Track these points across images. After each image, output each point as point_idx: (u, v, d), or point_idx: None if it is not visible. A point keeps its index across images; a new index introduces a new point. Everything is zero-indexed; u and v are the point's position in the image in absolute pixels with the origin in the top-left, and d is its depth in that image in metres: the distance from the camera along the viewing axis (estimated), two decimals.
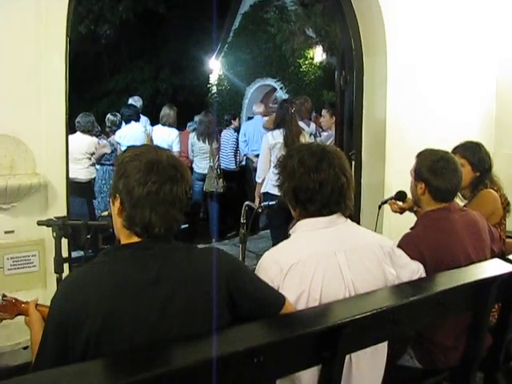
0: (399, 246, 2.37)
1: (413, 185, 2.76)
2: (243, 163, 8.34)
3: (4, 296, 1.97)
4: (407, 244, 2.46)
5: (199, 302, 1.64)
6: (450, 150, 3.32)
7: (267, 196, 5.12)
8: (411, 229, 2.75)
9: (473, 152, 3.35)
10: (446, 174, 2.61)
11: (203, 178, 7.23)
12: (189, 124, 8.96)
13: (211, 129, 7.23)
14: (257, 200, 5.44)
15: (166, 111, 7.21)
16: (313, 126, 7.30)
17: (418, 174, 2.69)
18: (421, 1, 4.60)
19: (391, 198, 3.36)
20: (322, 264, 1.93)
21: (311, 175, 1.99)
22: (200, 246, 1.88)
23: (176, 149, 7.08)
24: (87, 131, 6.22)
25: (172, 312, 1.59)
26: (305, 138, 5.38)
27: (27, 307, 1.95)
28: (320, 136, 7.18)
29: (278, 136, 5.30)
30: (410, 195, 3.05)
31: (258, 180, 5.54)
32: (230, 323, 1.70)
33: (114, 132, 6.81)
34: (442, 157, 2.65)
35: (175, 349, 1.53)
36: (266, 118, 8.31)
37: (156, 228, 1.65)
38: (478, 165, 3.33)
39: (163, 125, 7.15)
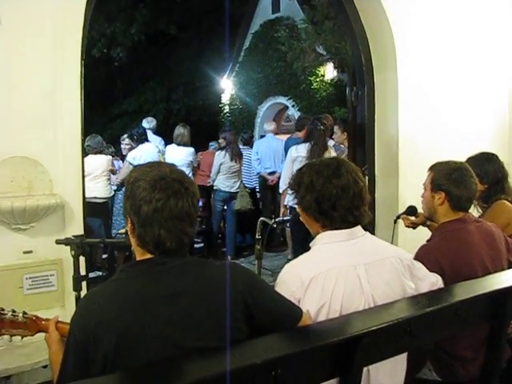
0: (416, 258, 2.37)
1: (428, 197, 2.76)
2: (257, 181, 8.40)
3: (24, 313, 2.00)
4: (425, 256, 2.46)
5: (216, 315, 1.64)
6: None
7: (290, 209, 5.36)
8: (428, 241, 2.75)
9: (480, 164, 3.33)
10: (465, 182, 2.64)
11: (226, 197, 7.30)
12: (210, 144, 9.06)
13: (238, 147, 7.34)
14: (282, 210, 5.72)
15: (181, 131, 7.24)
16: (331, 142, 7.36)
17: (437, 185, 2.70)
18: (431, 14, 4.63)
19: (403, 213, 3.36)
20: (343, 277, 1.94)
21: (332, 181, 2.02)
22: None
23: (195, 164, 7.38)
24: (99, 152, 6.29)
25: (188, 326, 1.60)
26: (330, 154, 5.50)
27: (48, 324, 1.98)
28: (338, 150, 7.25)
29: (301, 150, 5.58)
30: (420, 210, 3.06)
31: (280, 190, 5.94)
32: (248, 336, 1.70)
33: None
34: (459, 166, 2.69)
35: (192, 362, 1.54)
36: (277, 136, 8.41)
37: (167, 243, 1.66)
38: (484, 177, 3.30)
39: (178, 144, 7.19)
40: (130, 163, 6.38)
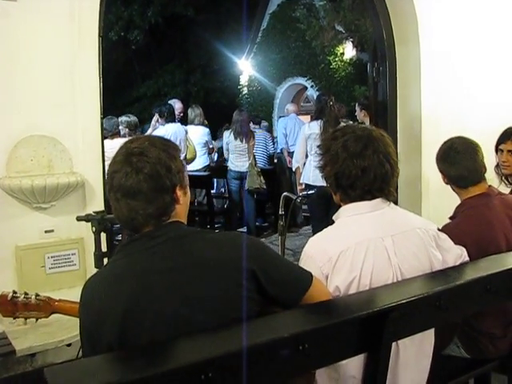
0: None
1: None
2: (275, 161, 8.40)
3: (37, 295, 1.98)
4: (448, 235, 2.39)
5: (220, 286, 1.58)
6: (492, 138, 3.26)
7: (306, 187, 5.41)
8: (450, 218, 2.69)
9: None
10: (455, 161, 2.59)
11: (239, 176, 7.27)
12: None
13: (246, 127, 7.29)
14: (298, 188, 5.76)
15: (197, 111, 7.34)
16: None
17: (438, 168, 2.70)
18: None
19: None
20: (371, 250, 1.88)
21: (354, 161, 1.94)
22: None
23: (211, 145, 7.46)
24: (115, 134, 6.18)
25: (191, 298, 1.54)
26: None
27: (60, 305, 1.97)
28: None
29: (314, 127, 5.60)
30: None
31: (293, 168, 6.07)
32: (258, 308, 1.64)
33: (133, 133, 6.46)
34: (448, 146, 2.65)
35: (216, 336, 1.51)
36: (300, 117, 8.43)
37: (129, 221, 1.62)
38: None
39: (196, 125, 7.26)
40: None
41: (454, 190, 2.72)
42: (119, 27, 16.96)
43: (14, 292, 1.95)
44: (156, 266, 1.56)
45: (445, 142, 2.68)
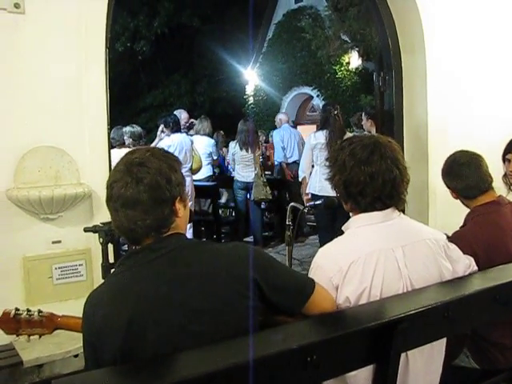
0: None
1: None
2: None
3: (40, 312, 1.97)
4: (458, 241, 2.38)
5: (221, 297, 1.57)
6: (497, 146, 3.25)
7: (312, 197, 5.40)
8: (461, 227, 2.68)
9: None
10: (460, 174, 2.62)
11: (245, 186, 7.24)
12: (271, 134, 9.13)
13: (252, 137, 7.26)
14: (304, 198, 5.70)
15: (204, 123, 7.41)
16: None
17: (445, 184, 2.73)
18: None
19: None
20: (382, 261, 1.87)
21: (362, 167, 1.93)
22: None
23: (215, 156, 7.49)
24: (123, 144, 6.19)
25: (193, 309, 1.53)
26: None
27: (63, 321, 1.96)
28: None
29: (320, 137, 5.58)
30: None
31: (300, 178, 5.97)
32: (261, 316, 1.64)
33: (137, 143, 6.44)
34: (452, 160, 2.68)
35: (223, 347, 1.50)
36: (304, 126, 8.42)
37: (128, 232, 1.60)
38: None
39: (202, 135, 7.32)
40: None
41: (463, 203, 2.73)
42: (126, 38, 17.10)
43: (17, 309, 1.93)
44: (158, 278, 1.55)
45: (448, 158, 2.71)
